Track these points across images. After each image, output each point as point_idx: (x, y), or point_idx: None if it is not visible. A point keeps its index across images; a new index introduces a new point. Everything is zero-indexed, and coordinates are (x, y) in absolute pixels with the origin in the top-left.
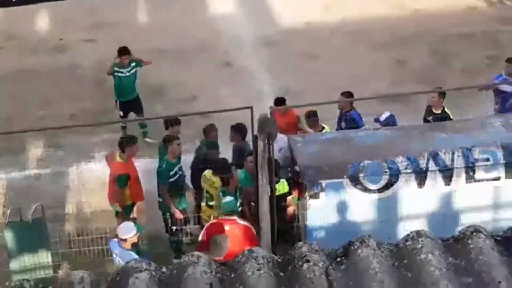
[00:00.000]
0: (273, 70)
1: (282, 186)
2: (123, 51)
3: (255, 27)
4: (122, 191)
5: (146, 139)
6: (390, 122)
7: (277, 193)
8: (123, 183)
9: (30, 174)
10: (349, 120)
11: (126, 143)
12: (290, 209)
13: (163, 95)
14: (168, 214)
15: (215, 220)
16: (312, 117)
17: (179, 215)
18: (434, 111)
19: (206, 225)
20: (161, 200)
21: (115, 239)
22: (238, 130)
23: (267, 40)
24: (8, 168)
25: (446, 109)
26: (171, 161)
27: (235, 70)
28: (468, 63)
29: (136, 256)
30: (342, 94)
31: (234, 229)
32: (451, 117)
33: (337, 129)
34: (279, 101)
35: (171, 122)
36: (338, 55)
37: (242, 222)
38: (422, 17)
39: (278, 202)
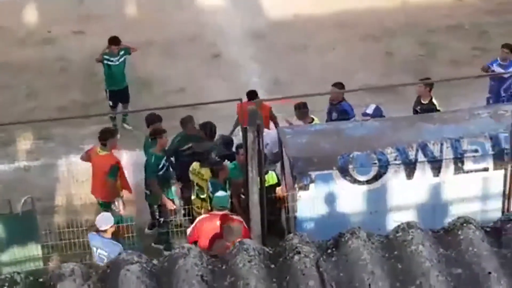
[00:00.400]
0: (262, 62)
1: (271, 177)
2: (114, 41)
3: (243, 19)
4: (116, 183)
5: (125, 125)
6: (378, 114)
7: (266, 184)
8: (115, 174)
9: (20, 166)
10: (340, 111)
11: (110, 134)
12: (278, 190)
13: (151, 86)
14: (155, 206)
15: (206, 215)
16: (302, 108)
17: (171, 205)
18: (422, 101)
19: (197, 219)
20: (148, 192)
21: (94, 232)
22: (202, 126)
23: (256, 32)
24: None
25: (433, 100)
26: (158, 155)
27: (224, 62)
28: (455, 55)
29: (119, 244)
30: (334, 85)
31: (228, 223)
32: (438, 107)
33: (327, 121)
34: (251, 94)
35: (153, 119)
36: (326, 47)
37: (233, 216)
38: (411, 9)
39: (267, 193)
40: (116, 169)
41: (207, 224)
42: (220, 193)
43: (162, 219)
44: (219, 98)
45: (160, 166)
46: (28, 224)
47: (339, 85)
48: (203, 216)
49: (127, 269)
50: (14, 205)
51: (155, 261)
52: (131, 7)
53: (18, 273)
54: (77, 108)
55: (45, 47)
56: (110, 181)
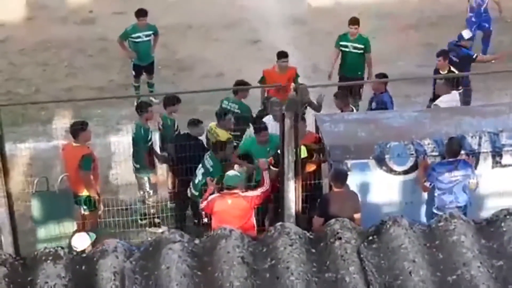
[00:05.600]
0: (301, 48)
1: (302, 151)
2: (142, 12)
3: (284, 5)
4: (89, 174)
5: (151, 99)
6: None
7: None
8: (89, 165)
9: (58, 144)
10: (379, 102)
11: (78, 129)
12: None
13: (190, 70)
14: (146, 178)
15: (217, 194)
16: (342, 97)
17: (159, 178)
18: (441, 72)
19: (209, 198)
20: (138, 166)
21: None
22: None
23: (296, 18)
24: (36, 137)
25: (452, 68)
26: (146, 127)
27: (263, 47)
28: (497, 47)
29: None
30: (377, 75)
31: (237, 201)
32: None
33: (368, 110)
34: (282, 54)
35: (172, 100)
36: (366, 35)
37: (244, 194)
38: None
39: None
40: (89, 161)
41: (218, 203)
42: (232, 172)
43: (151, 191)
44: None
45: (149, 137)
46: (64, 202)
47: (381, 75)
48: (215, 195)
49: (169, 247)
50: (52, 182)
51: (196, 241)
52: None
53: (62, 247)
54: (116, 88)
55: (86, 26)
56: (83, 174)
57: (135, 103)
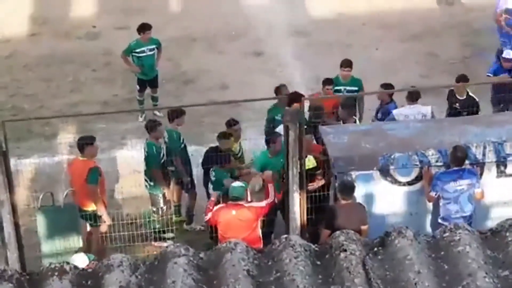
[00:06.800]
0: (305, 59)
1: (310, 162)
2: (145, 27)
3: (287, 16)
4: (96, 188)
5: (156, 112)
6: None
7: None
8: (95, 178)
9: (63, 159)
10: (384, 112)
11: (85, 144)
12: (319, 183)
13: (194, 82)
14: (161, 194)
15: (222, 205)
16: (347, 108)
17: (172, 195)
18: (458, 97)
19: (215, 208)
20: (151, 183)
21: None
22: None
23: (299, 30)
24: (40, 152)
25: (470, 93)
26: (157, 144)
27: (267, 59)
28: None
29: None
30: (382, 86)
31: (241, 212)
32: (477, 100)
33: (373, 120)
34: (329, 82)
35: (177, 113)
36: (369, 46)
37: (248, 204)
38: (455, 10)
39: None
40: (95, 173)
41: (223, 214)
42: (237, 183)
43: (165, 207)
44: (261, 95)
45: (162, 154)
46: (70, 217)
47: (385, 86)
48: (220, 205)
49: (174, 261)
50: (57, 197)
51: (202, 255)
52: (175, 1)
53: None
54: (120, 102)
55: (90, 41)
56: (90, 188)
57: (140, 118)
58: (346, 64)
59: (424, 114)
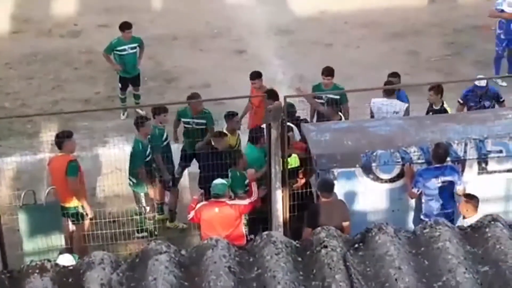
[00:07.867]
0: (287, 58)
1: (294, 160)
2: (126, 25)
3: (269, 15)
4: (76, 180)
5: (138, 110)
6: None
7: (288, 167)
8: (75, 170)
9: (45, 157)
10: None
11: (63, 139)
12: (301, 182)
13: (176, 81)
14: (142, 194)
15: (206, 202)
16: (332, 106)
17: (156, 194)
18: (434, 107)
19: (198, 205)
20: (134, 181)
21: None
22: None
23: (282, 28)
24: (22, 150)
25: (445, 104)
26: (144, 141)
27: (249, 58)
28: (482, 55)
29: None
30: (389, 75)
31: (224, 210)
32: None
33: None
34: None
35: (159, 110)
36: (351, 44)
37: (231, 202)
38: (437, 8)
39: (289, 177)
40: (75, 166)
41: (206, 211)
42: (218, 181)
43: (148, 207)
44: (244, 93)
45: (147, 153)
46: (52, 215)
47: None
48: (203, 203)
49: (155, 258)
50: (39, 195)
51: (183, 252)
52: (157, 0)
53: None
54: (102, 100)
55: (72, 39)
56: (71, 181)
57: (122, 116)
58: (327, 72)
59: (397, 111)
